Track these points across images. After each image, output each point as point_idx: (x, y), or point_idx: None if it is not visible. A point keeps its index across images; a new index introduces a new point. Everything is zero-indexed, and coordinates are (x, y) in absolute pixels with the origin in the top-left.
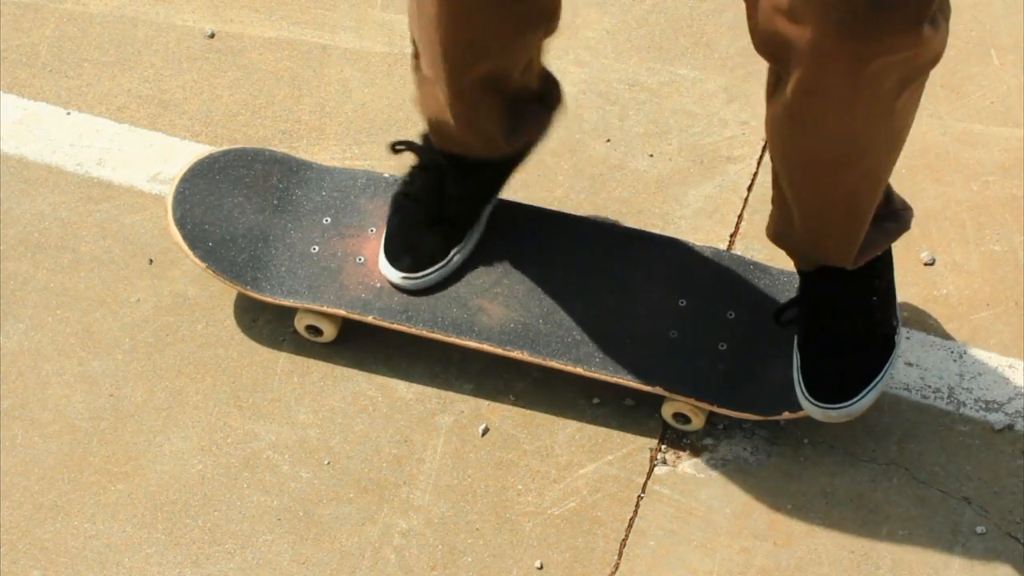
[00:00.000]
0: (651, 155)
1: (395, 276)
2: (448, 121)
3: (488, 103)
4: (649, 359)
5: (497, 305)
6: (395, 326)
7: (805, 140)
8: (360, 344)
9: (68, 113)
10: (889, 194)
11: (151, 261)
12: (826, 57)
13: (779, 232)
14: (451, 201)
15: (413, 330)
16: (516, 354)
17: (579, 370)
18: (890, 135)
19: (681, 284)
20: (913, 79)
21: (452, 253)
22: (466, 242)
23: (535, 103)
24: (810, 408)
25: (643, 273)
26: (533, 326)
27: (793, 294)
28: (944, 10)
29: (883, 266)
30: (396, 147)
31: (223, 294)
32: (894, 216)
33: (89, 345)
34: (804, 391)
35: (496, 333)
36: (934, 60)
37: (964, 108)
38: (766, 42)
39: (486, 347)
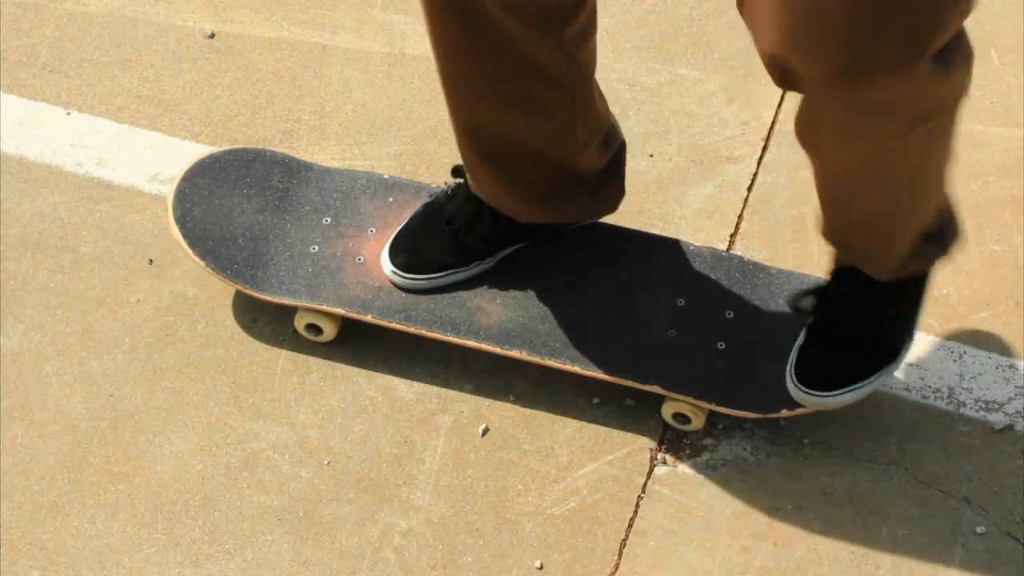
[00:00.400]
0: (651, 155)
1: (387, 267)
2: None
3: (505, 168)
4: (647, 358)
5: (496, 305)
6: (393, 325)
7: (817, 160)
8: (360, 344)
9: (68, 113)
10: (943, 218)
11: (151, 261)
12: (821, 91)
13: (820, 228)
14: (474, 233)
15: (411, 329)
16: (515, 353)
17: (577, 369)
18: (908, 169)
19: (680, 284)
20: (925, 119)
21: (448, 272)
22: (467, 270)
23: (578, 186)
24: (789, 385)
25: (642, 273)
26: (531, 326)
27: (791, 293)
28: (964, 50)
29: (915, 285)
30: (455, 171)
31: (223, 294)
32: (939, 239)
33: (89, 345)
34: (792, 368)
35: (495, 333)
36: (949, 102)
37: (964, 108)
38: (773, 68)
39: (485, 346)
